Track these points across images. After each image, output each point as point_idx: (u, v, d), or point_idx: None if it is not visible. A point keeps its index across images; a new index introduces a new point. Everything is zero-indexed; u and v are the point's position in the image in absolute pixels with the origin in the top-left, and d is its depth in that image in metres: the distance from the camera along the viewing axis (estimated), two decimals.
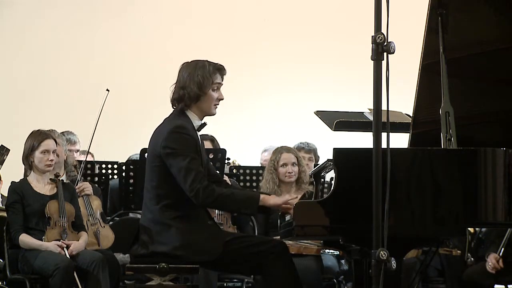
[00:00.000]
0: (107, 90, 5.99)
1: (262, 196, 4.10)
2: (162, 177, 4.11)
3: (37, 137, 5.31)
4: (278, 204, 4.08)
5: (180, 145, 4.05)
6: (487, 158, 3.79)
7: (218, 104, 4.21)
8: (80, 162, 6.03)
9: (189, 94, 4.13)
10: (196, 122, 4.19)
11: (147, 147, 4.28)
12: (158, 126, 4.22)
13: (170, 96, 4.23)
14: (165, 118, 4.23)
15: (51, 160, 5.30)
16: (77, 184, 5.68)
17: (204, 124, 4.24)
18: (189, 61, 4.25)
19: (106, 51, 9.21)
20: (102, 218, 5.66)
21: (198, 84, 4.13)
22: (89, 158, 6.89)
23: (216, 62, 4.24)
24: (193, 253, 4.05)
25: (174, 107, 4.23)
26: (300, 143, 6.87)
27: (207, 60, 4.22)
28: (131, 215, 6.39)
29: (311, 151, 6.81)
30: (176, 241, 4.05)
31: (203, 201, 4.02)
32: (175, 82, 4.23)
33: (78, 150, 6.64)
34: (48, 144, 5.30)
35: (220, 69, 4.20)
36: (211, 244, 4.06)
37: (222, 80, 4.21)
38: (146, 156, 5.69)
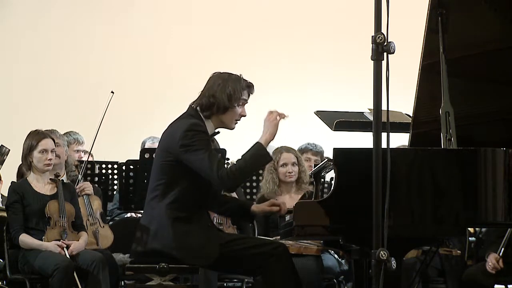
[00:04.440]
0: (112, 92, 5.99)
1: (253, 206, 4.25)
2: (173, 175, 4.11)
3: (35, 136, 5.31)
4: (266, 210, 4.21)
5: (198, 140, 4.07)
6: (487, 158, 3.79)
7: (239, 120, 4.26)
8: (80, 162, 6.03)
9: (219, 105, 4.17)
10: (210, 129, 4.22)
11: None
12: (171, 124, 4.22)
13: (197, 101, 4.22)
14: (178, 117, 4.24)
15: (50, 160, 5.30)
16: (77, 184, 5.68)
17: (217, 132, 4.29)
18: (222, 71, 4.27)
19: (106, 52, 9.20)
20: (102, 218, 5.67)
21: (228, 96, 4.16)
22: (89, 158, 6.89)
23: (247, 80, 4.27)
24: (188, 256, 4.06)
25: (190, 108, 4.24)
26: (308, 144, 6.85)
27: (240, 75, 4.26)
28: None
29: (319, 153, 6.79)
30: (173, 241, 4.05)
31: (231, 185, 4.12)
32: (203, 87, 4.24)
33: (84, 151, 6.66)
34: (46, 143, 5.30)
35: (250, 87, 4.25)
36: (207, 249, 4.07)
37: (248, 98, 4.26)
38: (146, 157, 5.75)
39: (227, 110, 4.18)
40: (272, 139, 4.13)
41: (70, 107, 8.83)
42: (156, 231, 4.09)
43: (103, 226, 5.61)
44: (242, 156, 4.11)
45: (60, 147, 5.54)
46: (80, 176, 5.76)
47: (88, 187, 5.70)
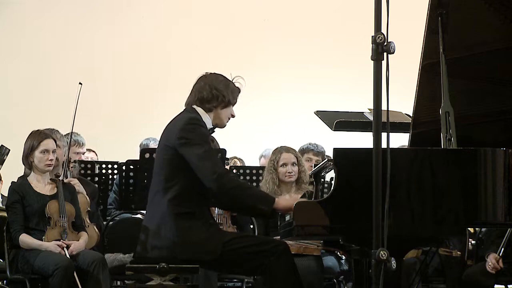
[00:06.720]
0: (80, 83, 5.97)
1: (277, 198, 4.12)
2: (172, 169, 4.12)
3: (37, 137, 5.32)
4: (289, 207, 4.07)
5: (196, 135, 4.10)
6: (487, 158, 3.79)
7: (229, 119, 4.31)
8: (80, 162, 6.01)
9: (223, 98, 4.23)
10: (208, 124, 4.24)
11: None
12: (171, 121, 4.24)
13: (195, 96, 4.25)
14: (177, 115, 4.26)
15: (51, 160, 5.31)
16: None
17: (213, 130, 4.32)
18: (209, 72, 4.33)
19: (106, 52, 9.21)
20: (89, 217, 5.60)
21: (232, 92, 4.25)
22: (93, 156, 6.90)
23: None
24: (192, 251, 4.05)
25: (188, 106, 4.27)
26: (309, 144, 6.84)
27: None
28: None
29: (320, 153, 6.78)
30: (175, 237, 4.05)
31: (224, 186, 4.04)
32: (193, 86, 4.28)
33: (84, 153, 6.64)
34: (48, 143, 5.31)
35: (239, 91, 4.33)
36: (211, 244, 4.06)
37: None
38: (146, 157, 5.75)
39: (228, 105, 4.25)
40: (282, 209, 4.08)
41: (70, 107, 8.83)
42: (159, 227, 4.09)
43: (88, 226, 5.55)
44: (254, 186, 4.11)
45: (59, 148, 5.52)
46: (63, 170, 5.66)
47: (75, 183, 5.64)
